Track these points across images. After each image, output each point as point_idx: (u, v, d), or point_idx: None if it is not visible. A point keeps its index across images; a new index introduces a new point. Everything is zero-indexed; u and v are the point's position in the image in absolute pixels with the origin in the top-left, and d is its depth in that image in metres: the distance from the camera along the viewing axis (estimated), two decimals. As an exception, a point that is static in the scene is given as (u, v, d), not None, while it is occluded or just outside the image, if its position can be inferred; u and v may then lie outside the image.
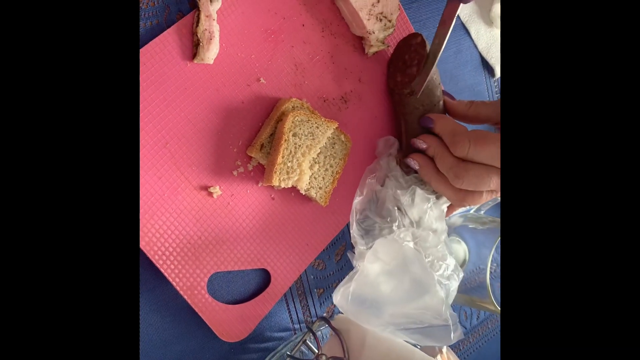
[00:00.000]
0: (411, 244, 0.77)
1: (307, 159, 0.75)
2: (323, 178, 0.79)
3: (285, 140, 0.74)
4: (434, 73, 0.81)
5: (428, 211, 0.80)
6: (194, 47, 0.70)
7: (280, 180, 0.73)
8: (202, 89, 0.68)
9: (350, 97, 0.80)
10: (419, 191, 0.76)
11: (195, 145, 0.68)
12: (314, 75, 0.80)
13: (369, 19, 0.79)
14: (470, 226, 0.98)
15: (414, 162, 0.76)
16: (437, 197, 0.81)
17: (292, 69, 0.79)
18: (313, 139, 0.76)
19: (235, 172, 0.75)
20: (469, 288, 0.95)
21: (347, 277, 0.73)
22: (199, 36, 0.70)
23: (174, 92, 0.67)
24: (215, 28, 0.71)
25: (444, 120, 0.75)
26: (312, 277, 0.84)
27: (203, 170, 0.69)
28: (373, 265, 0.72)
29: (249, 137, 0.76)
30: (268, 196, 0.77)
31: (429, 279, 0.73)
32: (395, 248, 0.73)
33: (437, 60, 0.76)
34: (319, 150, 0.77)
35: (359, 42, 0.82)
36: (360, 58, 0.81)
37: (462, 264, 1.01)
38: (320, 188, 0.79)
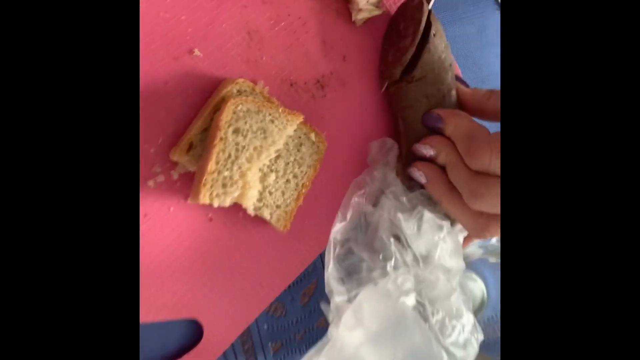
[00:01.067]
0: (412, 298, 0.53)
1: (255, 165, 0.52)
2: (282, 193, 0.56)
3: (222, 138, 0.50)
4: (442, 50, 0.57)
5: (440, 243, 0.57)
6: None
7: (212, 195, 0.50)
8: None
9: (328, 81, 0.58)
10: (427, 215, 0.53)
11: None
12: (276, 49, 0.57)
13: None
14: (491, 260, 0.74)
15: (419, 174, 0.53)
16: (453, 224, 0.57)
17: (243, 37, 0.56)
18: (265, 137, 0.53)
19: (151, 183, 0.52)
20: (487, 343, 0.70)
21: (313, 349, 0.49)
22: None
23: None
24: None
25: (457, 118, 0.51)
26: (265, 326, 0.61)
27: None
28: (353, 333, 0.48)
29: (173, 132, 0.53)
30: (203, 216, 0.54)
31: (434, 351, 0.49)
32: (387, 307, 0.49)
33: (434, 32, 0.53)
34: (274, 154, 0.54)
35: (345, 5, 0.59)
36: (346, 27, 0.59)
37: (479, 309, 0.76)
38: (277, 206, 0.55)
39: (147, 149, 0.52)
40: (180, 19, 0.53)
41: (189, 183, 0.54)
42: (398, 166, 0.62)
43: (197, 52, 0.54)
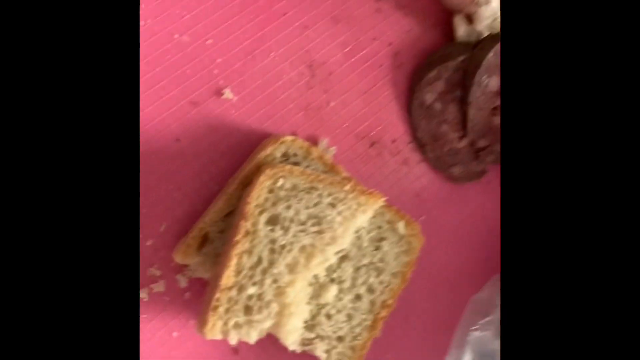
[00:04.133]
0: None
1: (303, 278, 0.32)
2: (348, 317, 0.35)
3: (248, 233, 0.31)
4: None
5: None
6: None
7: (227, 326, 0.30)
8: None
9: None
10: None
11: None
12: (351, 90, 0.39)
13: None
14: None
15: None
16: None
17: (300, 73, 0.37)
18: (320, 232, 0.32)
19: (144, 293, 0.34)
20: None
21: None
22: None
23: None
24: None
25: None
26: None
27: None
28: None
29: (182, 216, 0.35)
30: (224, 347, 0.35)
31: None
32: None
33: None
34: (334, 257, 0.33)
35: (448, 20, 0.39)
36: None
37: None
38: (339, 339, 0.35)
39: (142, 242, 0.34)
40: (205, 43, 0.35)
41: (200, 295, 0.35)
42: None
43: (228, 93, 0.36)
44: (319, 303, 0.34)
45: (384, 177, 0.40)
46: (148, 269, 0.34)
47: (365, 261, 0.36)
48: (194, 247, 0.33)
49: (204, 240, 0.34)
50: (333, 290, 0.35)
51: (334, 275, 0.35)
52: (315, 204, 0.33)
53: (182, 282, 0.35)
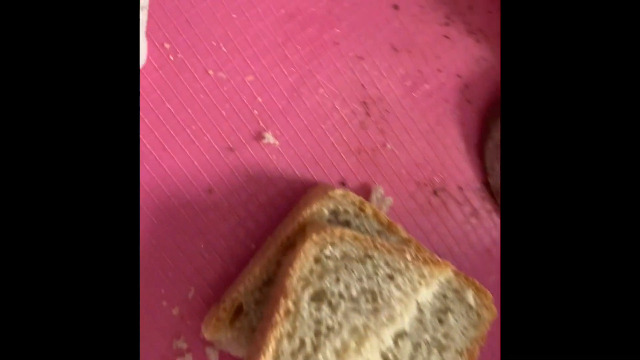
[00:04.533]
0: None
1: (353, 364, 0.27)
2: (406, 403, 0.29)
3: (289, 312, 0.26)
4: None
5: None
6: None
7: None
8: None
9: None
10: None
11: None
12: (412, 130, 0.33)
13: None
14: None
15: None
16: None
17: (354, 111, 0.32)
18: (375, 310, 0.27)
19: (169, 369, 0.29)
20: None
21: None
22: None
23: None
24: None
25: None
26: None
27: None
28: None
29: (214, 282, 0.30)
30: None
31: None
32: None
33: None
34: (388, 341, 0.28)
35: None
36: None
37: None
38: None
39: (168, 310, 0.30)
40: (244, 80, 0.30)
41: (234, 374, 0.30)
42: None
43: (269, 137, 0.31)
44: (372, 388, 0.29)
45: (449, 230, 0.34)
46: (174, 340, 0.30)
47: (426, 337, 0.30)
48: (226, 321, 0.28)
49: (238, 312, 0.29)
50: (387, 373, 0.29)
51: (389, 355, 0.29)
52: (370, 277, 0.27)
53: (212, 356, 0.30)
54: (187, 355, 0.30)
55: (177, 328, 0.30)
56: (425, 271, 0.28)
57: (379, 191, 0.33)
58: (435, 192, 0.34)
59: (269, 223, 0.31)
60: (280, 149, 0.31)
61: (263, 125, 0.31)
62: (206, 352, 0.30)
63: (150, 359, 0.29)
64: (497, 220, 0.35)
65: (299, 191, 0.32)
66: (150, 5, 0.29)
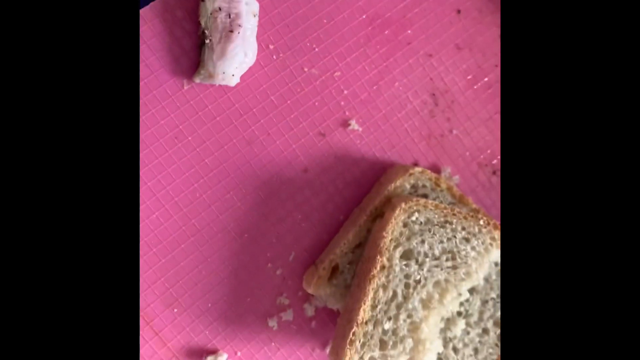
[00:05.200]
0: None
1: (436, 313, 0.32)
2: (475, 351, 0.34)
3: (383, 267, 0.31)
4: None
5: None
6: (199, 52, 0.33)
7: (363, 357, 0.30)
8: (213, 139, 0.35)
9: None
10: None
11: (190, 262, 0.35)
12: (474, 117, 0.38)
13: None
14: None
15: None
16: None
17: (424, 101, 0.37)
18: (454, 267, 0.32)
19: (273, 322, 0.34)
20: None
21: None
22: (204, 27, 0.32)
23: (157, 144, 0.34)
24: (247, 9, 0.32)
25: None
26: None
27: (204, 314, 0.35)
28: None
29: (311, 246, 0.35)
30: (348, 374, 0.35)
31: None
32: None
33: None
34: (465, 294, 0.33)
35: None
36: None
37: None
38: (469, 375, 0.34)
39: (272, 271, 0.35)
40: (333, 76, 0.36)
41: (331, 325, 0.35)
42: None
43: (354, 124, 0.36)
44: (446, 337, 0.34)
45: (506, 206, 0.39)
46: (277, 297, 0.35)
47: (493, 294, 0.35)
48: (325, 279, 0.34)
49: (334, 271, 0.34)
50: (461, 324, 0.34)
51: (461, 309, 0.34)
52: (449, 239, 0.33)
53: (309, 311, 0.35)
54: (289, 310, 0.35)
55: (280, 287, 0.35)
56: (496, 235, 0.33)
57: (447, 171, 0.38)
58: (494, 172, 0.39)
59: (354, 198, 0.36)
60: (362, 134, 0.36)
61: (348, 114, 0.36)
62: (304, 307, 0.35)
63: (258, 312, 0.35)
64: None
65: (379, 171, 0.37)
66: (260, 13, 0.34)
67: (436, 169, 0.38)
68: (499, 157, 0.39)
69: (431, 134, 0.38)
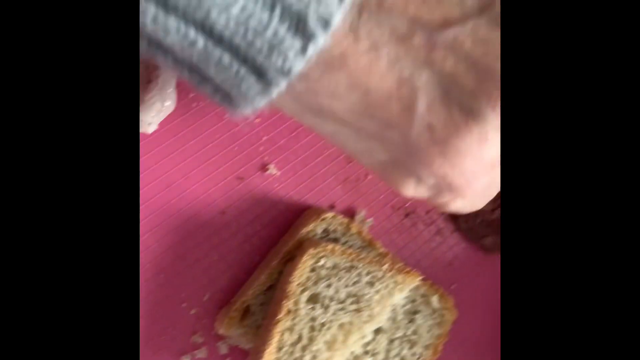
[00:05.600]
0: None
1: (340, 354, 0.33)
2: (384, 389, 0.36)
3: (290, 311, 0.32)
4: None
5: None
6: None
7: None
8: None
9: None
10: None
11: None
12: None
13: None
14: None
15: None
16: None
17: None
18: (358, 310, 0.34)
19: (187, 359, 0.35)
20: None
21: None
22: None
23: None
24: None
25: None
26: None
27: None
28: None
29: (226, 287, 0.36)
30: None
31: None
32: None
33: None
34: (369, 335, 0.35)
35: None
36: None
37: None
38: (373, 410, 0.36)
39: (186, 310, 0.36)
40: (253, 122, 0.37)
41: (242, 363, 0.36)
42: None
43: (272, 168, 0.37)
44: (354, 375, 0.36)
45: (418, 246, 0.41)
46: (191, 336, 0.36)
47: (399, 334, 0.37)
48: (237, 319, 0.35)
49: (246, 312, 0.35)
50: (367, 362, 0.36)
51: (369, 348, 0.36)
52: (355, 283, 0.34)
53: (223, 349, 0.37)
54: (203, 348, 0.36)
55: (195, 325, 0.36)
56: (399, 279, 0.35)
57: (361, 213, 0.40)
58: (407, 215, 0.41)
59: (271, 239, 0.38)
60: (281, 178, 0.38)
61: (267, 159, 0.38)
62: (218, 345, 0.37)
63: (173, 350, 0.36)
64: (458, 238, 0.42)
65: (296, 213, 0.38)
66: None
67: (351, 212, 0.40)
68: (413, 200, 0.41)
69: (347, 178, 0.39)
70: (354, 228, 0.37)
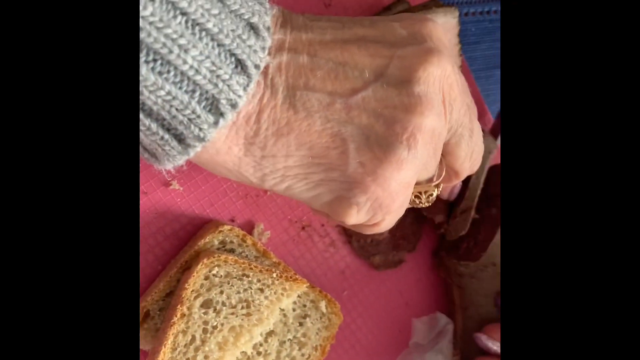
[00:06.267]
0: None
1: (231, 354, 0.36)
2: (275, 387, 0.39)
3: (184, 315, 0.35)
4: None
5: None
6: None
7: (163, 397, 0.34)
8: None
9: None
10: None
11: None
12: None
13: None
14: None
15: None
16: None
17: (239, 167, 0.42)
18: (247, 314, 0.37)
19: (88, 363, 0.37)
20: None
21: None
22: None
23: None
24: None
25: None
26: None
27: None
28: None
29: (127, 293, 0.38)
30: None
31: None
32: None
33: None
34: (260, 336, 0.38)
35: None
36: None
37: None
38: (264, 406, 0.39)
39: (89, 315, 0.38)
40: (158, 141, 0.40)
41: (141, 366, 0.39)
42: (456, 355, 0.45)
43: (175, 184, 0.41)
44: (247, 374, 0.39)
45: (313, 257, 0.45)
46: (94, 340, 0.38)
47: (289, 336, 0.41)
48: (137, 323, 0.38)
49: (146, 316, 0.38)
50: (259, 362, 0.40)
51: (261, 349, 0.40)
52: (245, 289, 0.38)
53: (124, 352, 0.39)
54: (104, 352, 0.39)
55: (97, 331, 0.39)
56: (287, 286, 0.39)
57: (260, 226, 0.43)
58: (303, 228, 0.45)
59: (173, 250, 0.41)
60: (183, 193, 0.41)
61: (170, 175, 0.41)
62: (119, 349, 0.39)
63: (74, 354, 0.38)
64: (350, 249, 0.47)
65: (197, 226, 0.42)
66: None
67: (251, 225, 0.43)
68: (309, 214, 0.45)
69: (248, 194, 0.43)
70: (250, 240, 0.40)
